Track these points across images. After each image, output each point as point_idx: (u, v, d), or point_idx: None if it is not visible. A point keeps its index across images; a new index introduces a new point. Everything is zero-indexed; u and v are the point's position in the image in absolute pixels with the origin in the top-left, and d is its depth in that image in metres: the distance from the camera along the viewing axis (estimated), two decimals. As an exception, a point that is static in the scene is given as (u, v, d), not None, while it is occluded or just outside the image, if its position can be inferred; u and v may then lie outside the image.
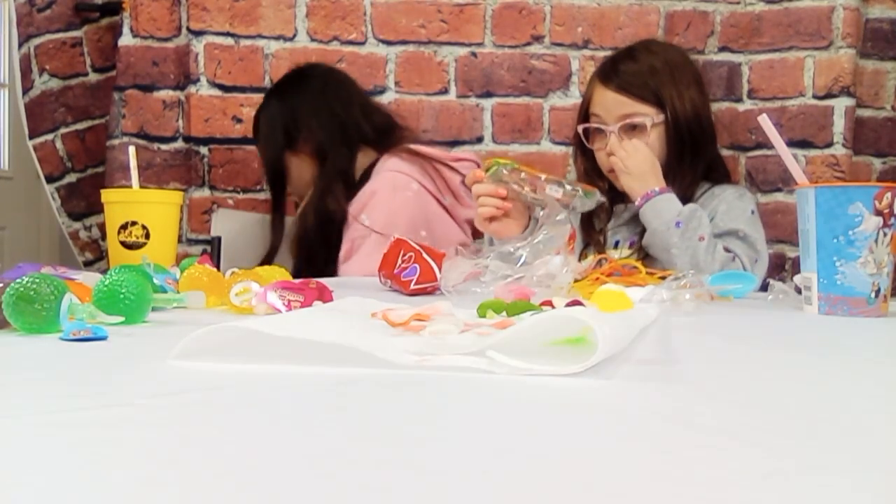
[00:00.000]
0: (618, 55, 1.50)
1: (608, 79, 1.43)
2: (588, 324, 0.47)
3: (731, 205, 1.41)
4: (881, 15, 1.72)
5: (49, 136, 1.82)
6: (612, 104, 1.41)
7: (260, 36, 1.74)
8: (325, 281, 0.84)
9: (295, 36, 1.74)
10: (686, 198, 1.36)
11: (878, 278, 0.84)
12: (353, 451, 0.31)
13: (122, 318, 0.63)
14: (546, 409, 0.39)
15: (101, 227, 1.79)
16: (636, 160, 1.34)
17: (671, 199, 1.31)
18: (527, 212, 1.31)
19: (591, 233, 1.45)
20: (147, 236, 1.08)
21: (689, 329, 0.71)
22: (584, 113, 1.47)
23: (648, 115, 1.39)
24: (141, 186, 1.18)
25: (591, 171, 1.48)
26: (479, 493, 0.26)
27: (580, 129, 1.46)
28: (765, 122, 0.94)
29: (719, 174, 1.48)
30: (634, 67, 1.43)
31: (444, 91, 1.75)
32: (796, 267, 1.36)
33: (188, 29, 1.73)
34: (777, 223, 1.68)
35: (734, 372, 0.52)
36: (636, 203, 1.33)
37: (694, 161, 1.41)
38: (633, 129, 1.40)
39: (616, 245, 1.43)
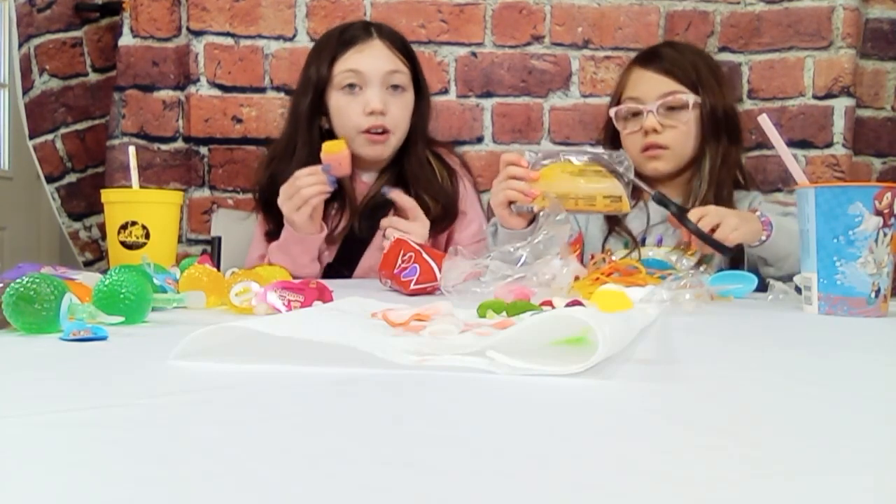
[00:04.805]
0: (657, 46, 1.55)
1: (649, 62, 1.46)
2: (588, 324, 0.47)
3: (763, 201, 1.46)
4: (881, 15, 1.72)
5: (49, 136, 1.81)
6: (652, 84, 1.43)
7: (260, 36, 1.73)
8: (325, 281, 0.84)
9: (295, 36, 1.73)
10: (721, 196, 1.38)
11: (878, 278, 0.84)
12: (353, 451, 0.31)
13: (122, 318, 0.63)
14: (546, 409, 0.39)
15: (101, 227, 1.79)
16: (731, 217, 1.16)
17: (779, 221, 1.20)
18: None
19: (619, 227, 1.44)
20: (147, 236, 1.08)
21: (689, 329, 0.71)
22: (617, 100, 1.49)
23: (689, 94, 1.41)
24: (141, 186, 1.18)
25: None
26: (480, 493, 0.26)
27: (613, 111, 1.48)
28: (765, 122, 0.94)
29: (745, 179, 1.51)
30: (676, 55, 1.46)
31: (445, 91, 1.75)
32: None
33: (188, 29, 1.73)
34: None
35: (734, 372, 0.52)
36: (763, 239, 1.18)
37: (721, 152, 1.43)
38: (672, 110, 1.42)
39: (659, 242, 1.42)
